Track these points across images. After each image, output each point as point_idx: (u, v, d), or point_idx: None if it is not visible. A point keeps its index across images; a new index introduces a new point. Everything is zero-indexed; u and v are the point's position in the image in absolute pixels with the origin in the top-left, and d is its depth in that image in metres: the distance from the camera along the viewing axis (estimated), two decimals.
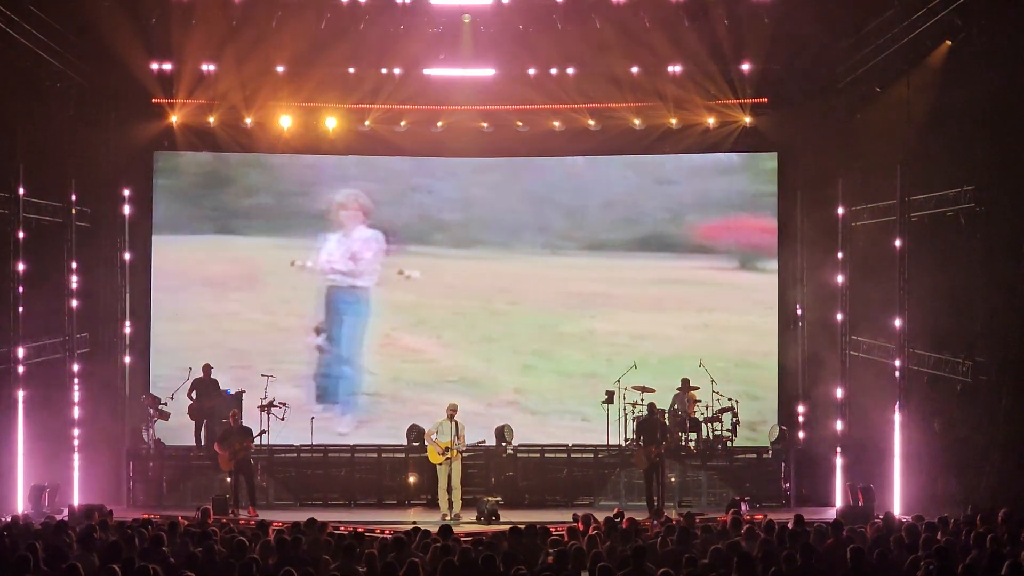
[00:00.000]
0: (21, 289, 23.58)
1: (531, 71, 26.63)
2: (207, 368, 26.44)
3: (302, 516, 18.86)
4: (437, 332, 28.47)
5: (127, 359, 27.05)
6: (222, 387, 26.44)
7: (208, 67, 26.40)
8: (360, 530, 19.38)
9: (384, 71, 26.63)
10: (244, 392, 26.41)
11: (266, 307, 28.23)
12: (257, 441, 24.99)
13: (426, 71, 26.80)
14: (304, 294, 28.22)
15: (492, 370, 27.93)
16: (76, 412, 25.34)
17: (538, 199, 28.42)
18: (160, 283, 27.72)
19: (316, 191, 28.28)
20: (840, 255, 26.05)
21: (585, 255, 28.29)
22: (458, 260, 28.34)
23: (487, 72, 26.78)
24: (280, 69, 26.39)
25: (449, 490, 24.23)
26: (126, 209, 27.11)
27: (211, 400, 26.23)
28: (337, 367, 28.20)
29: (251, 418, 25.59)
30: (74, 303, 25.50)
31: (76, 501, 23.85)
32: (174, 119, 26.96)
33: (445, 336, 28.42)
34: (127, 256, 27.11)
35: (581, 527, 17.73)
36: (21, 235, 23.60)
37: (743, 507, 23.06)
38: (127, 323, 27.09)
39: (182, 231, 27.90)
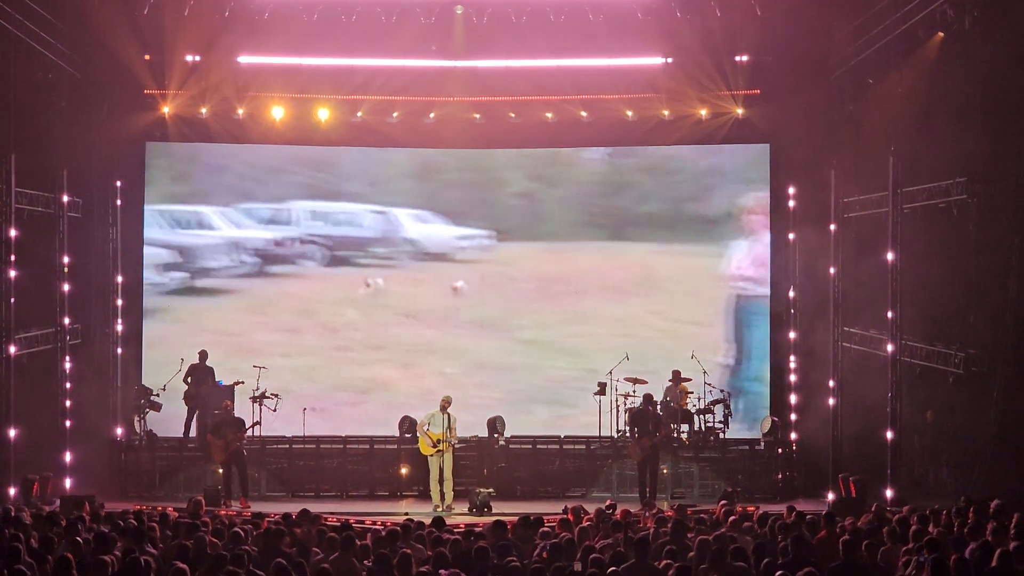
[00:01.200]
0: (12, 279, 23.49)
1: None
2: (203, 354, 26.45)
3: (294, 507, 18.85)
4: None
5: (119, 350, 27.02)
6: (217, 379, 26.47)
7: (200, 58, 26.39)
8: (351, 521, 19.38)
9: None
10: (239, 383, 26.37)
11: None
12: (249, 433, 24.98)
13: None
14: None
15: None
16: (67, 403, 25.26)
17: None
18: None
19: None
20: (832, 246, 26.03)
21: None
22: None
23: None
24: (272, 60, 26.42)
25: (441, 481, 24.24)
26: (118, 200, 27.07)
27: (204, 387, 26.22)
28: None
29: (244, 411, 25.55)
30: (65, 294, 25.41)
31: (67, 492, 23.79)
32: (166, 110, 26.93)
33: None
34: (118, 245, 27.08)
35: (571, 518, 17.71)
36: (12, 225, 23.51)
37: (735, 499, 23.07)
38: (119, 314, 27.07)
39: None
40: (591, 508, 18.72)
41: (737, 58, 26.52)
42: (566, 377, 27.70)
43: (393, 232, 28.61)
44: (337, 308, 28.49)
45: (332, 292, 28.48)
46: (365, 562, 14.36)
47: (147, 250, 27.87)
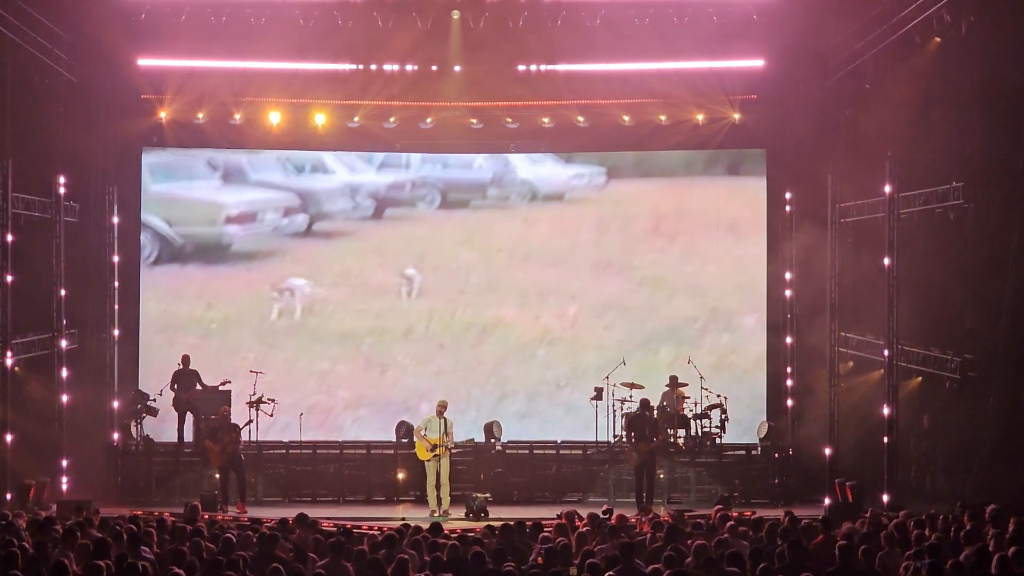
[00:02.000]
0: (9, 285, 23.47)
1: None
2: (185, 359, 26.36)
3: (291, 512, 18.83)
4: None
5: (115, 355, 27.00)
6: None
7: (197, 63, 26.40)
8: (348, 526, 19.37)
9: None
10: (227, 382, 26.31)
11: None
12: (244, 434, 24.96)
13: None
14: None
15: None
16: (64, 408, 25.23)
17: None
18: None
19: None
20: (829, 251, 26.04)
21: None
22: None
23: None
24: (269, 65, 26.43)
25: (438, 486, 24.22)
26: (115, 205, 27.06)
27: (189, 392, 26.17)
28: None
29: (242, 415, 25.55)
30: (62, 299, 25.40)
31: (64, 498, 23.76)
32: (163, 115, 26.91)
33: None
34: (115, 250, 27.08)
35: (565, 522, 17.68)
36: (9, 230, 23.51)
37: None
38: (115, 319, 27.06)
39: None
40: (587, 513, 18.69)
41: (734, 63, 26.48)
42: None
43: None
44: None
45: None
46: (350, 565, 14.35)
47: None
